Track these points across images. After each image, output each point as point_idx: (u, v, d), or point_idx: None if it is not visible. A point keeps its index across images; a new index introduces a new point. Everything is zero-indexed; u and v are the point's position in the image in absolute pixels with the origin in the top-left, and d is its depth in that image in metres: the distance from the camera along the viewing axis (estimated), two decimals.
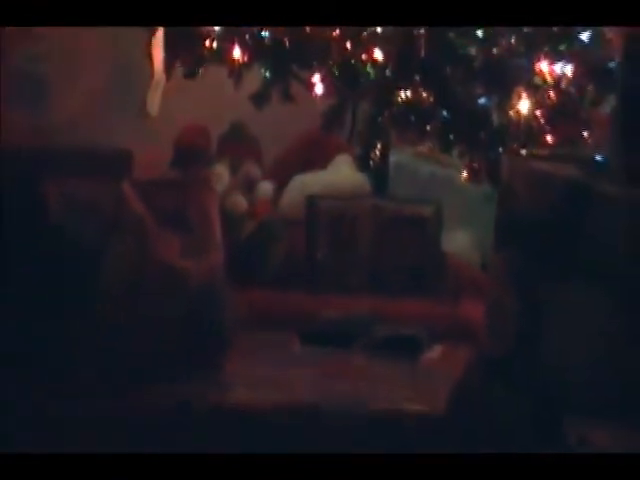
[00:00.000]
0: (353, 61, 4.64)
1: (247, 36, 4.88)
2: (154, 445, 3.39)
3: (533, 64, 4.66)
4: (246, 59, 4.83)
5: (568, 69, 4.64)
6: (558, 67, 4.67)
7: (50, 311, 3.62)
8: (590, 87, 4.52)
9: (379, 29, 4.60)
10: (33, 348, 3.64)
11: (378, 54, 4.57)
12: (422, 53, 4.57)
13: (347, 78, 4.63)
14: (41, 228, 3.62)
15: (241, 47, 4.83)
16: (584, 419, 3.31)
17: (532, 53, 4.63)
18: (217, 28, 4.83)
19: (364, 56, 4.60)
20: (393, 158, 5.07)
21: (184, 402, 3.41)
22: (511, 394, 3.58)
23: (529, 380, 3.54)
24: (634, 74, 3.72)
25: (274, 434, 3.40)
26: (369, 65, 4.59)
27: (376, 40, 4.58)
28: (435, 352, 3.98)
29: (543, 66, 4.65)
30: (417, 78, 4.57)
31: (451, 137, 4.71)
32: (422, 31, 4.59)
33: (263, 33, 4.79)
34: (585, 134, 4.42)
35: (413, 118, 4.62)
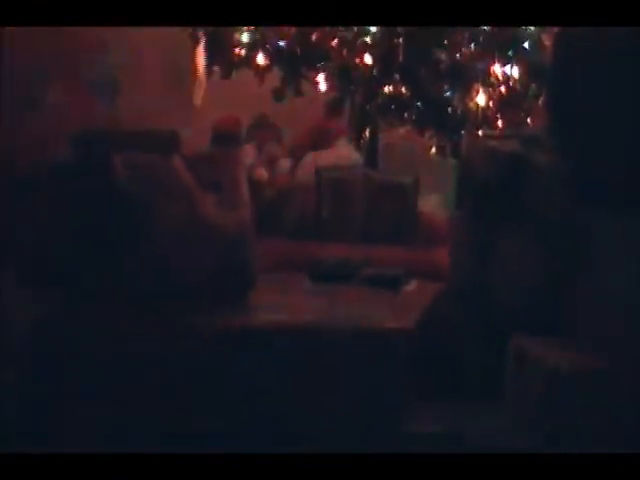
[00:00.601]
0: (348, 64, 4.53)
1: (268, 45, 4.72)
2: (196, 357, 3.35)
3: (488, 66, 4.58)
4: (267, 63, 4.74)
5: (515, 70, 4.57)
6: (507, 69, 4.61)
7: (113, 253, 3.57)
8: (532, 84, 4.49)
9: (368, 38, 4.47)
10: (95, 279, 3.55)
11: (367, 58, 4.52)
12: (401, 57, 4.47)
13: (344, 77, 4.58)
14: (111, 191, 3.57)
15: (263, 54, 4.71)
16: (524, 335, 3.30)
17: (487, 58, 4.56)
18: (245, 39, 4.69)
19: (357, 60, 4.51)
20: (380, 139, 4.97)
21: (220, 324, 3.45)
22: (467, 316, 3.55)
23: (481, 305, 3.54)
24: (561, 73, 3.64)
25: (285, 350, 3.39)
26: (360, 67, 4.52)
27: (365, 47, 4.48)
28: (411, 286, 4.05)
29: (496, 68, 4.59)
30: (397, 77, 4.50)
31: (424, 122, 4.64)
32: (401, 40, 4.45)
33: (280, 43, 4.67)
34: (528, 120, 4.42)
35: (394, 107, 4.57)
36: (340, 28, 4.60)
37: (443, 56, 4.54)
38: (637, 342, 3.18)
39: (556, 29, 4.14)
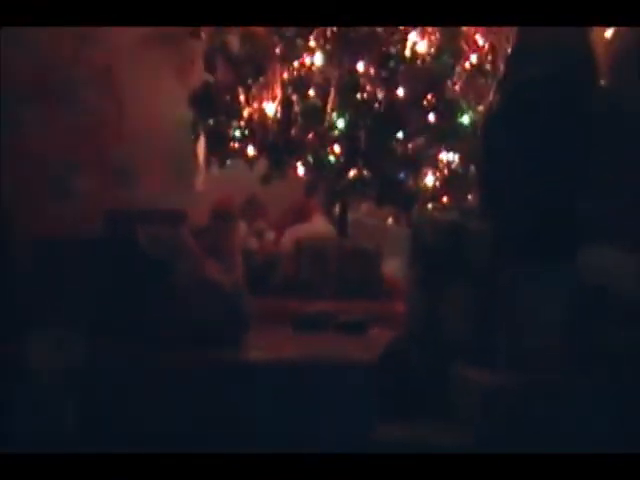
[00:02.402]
0: (321, 153, 4.59)
1: (256, 140, 4.77)
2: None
3: (435, 154, 4.70)
4: (256, 154, 4.80)
5: (456, 156, 4.71)
6: (450, 155, 4.72)
7: (138, 304, 3.80)
8: (470, 167, 4.60)
9: (336, 132, 4.54)
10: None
11: (336, 148, 4.58)
12: (363, 147, 4.58)
13: (318, 164, 4.64)
14: (133, 255, 3.84)
15: (253, 146, 4.79)
16: (465, 363, 3.57)
17: (434, 146, 4.66)
18: (237, 134, 4.75)
19: (328, 150, 4.60)
20: (349, 214, 5.03)
21: (221, 359, 3.71)
22: (419, 350, 3.71)
23: (430, 341, 3.69)
24: (487, 158, 3.83)
25: (273, 380, 3.60)
26: (331, 155, 4.61)
27: (335, 139, 4.59)
28: (374, 330, 4.17)
29: (441, 155, 4.72)
30: (360, 163, 4.59)
31: (383, 200, 4.71)
32: (363, 133, 4.55)
33: (266, 137, 4.70)
34: (468, 196, 4.54)
35: (358, 187, 4.65)
36: (313, 123, 4.55)
37: (398, 145, 4.59)
38: (550, 363, 3.41)
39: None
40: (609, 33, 4.00)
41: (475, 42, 4.67)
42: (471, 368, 3.52)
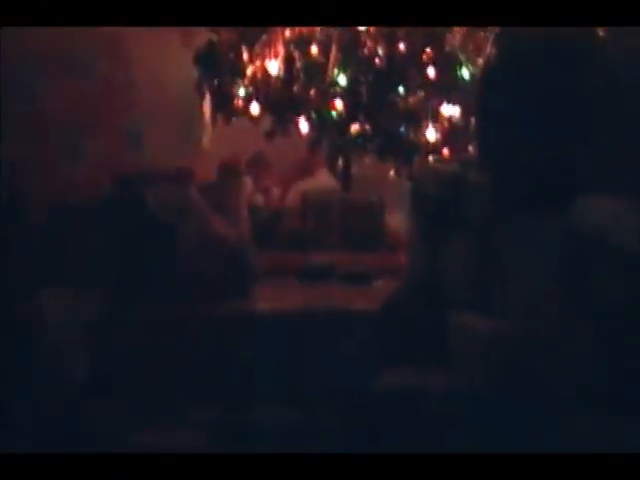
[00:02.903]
0: (322, 110, 4.67)
1: (260, 98, 4.82)
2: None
3: (436, 106, 4.74)
4: (260, 111, 4.85)
5: (457, 109, 4.72)
6: (450, 108, 4.74)
7: (148, 261, 3.90)
8: (470, 119, 4.60)
9: (337, 88, 4.57)
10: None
11: (338, 104, 4.64)
12: (365, 101, 4.61)
13: (320, 120, 4.71)
14: (141, 215, 3.94)
15: (257, 104, 4.82)
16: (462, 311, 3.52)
17: (434, 99, 4.70)
18: (242, 92, 4.78)
19: (330, 105, 4.65)
20: (352, 167, 5.06)
21: (229, 310, 3.84)
22: (418, 299, 3.64)
23: (430, 290, 3.63)
24: (485, 109, 3.71)
25: (278, 328, 3.71)
26: (332, 111, 4.66)
27: (336, 94, 4.62)
28: (378, 282, 4.28)
29: (442, 108, 4.75)
30: (362, 117, 4.65)
31: (384, 153, 4.76)
32: (364, 88, 4.58)
33: (270, 95, 4.72)
34: (469, 148, 4.52)
35: (360, 142, 4.72)
36: (315, 80, 4.58)
37: (399, 100, 4.64)
38: (546, 312, 3.32)
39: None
40: None
41: None
42: (469, 316, 3.46)
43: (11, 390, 3.54)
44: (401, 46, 4.61)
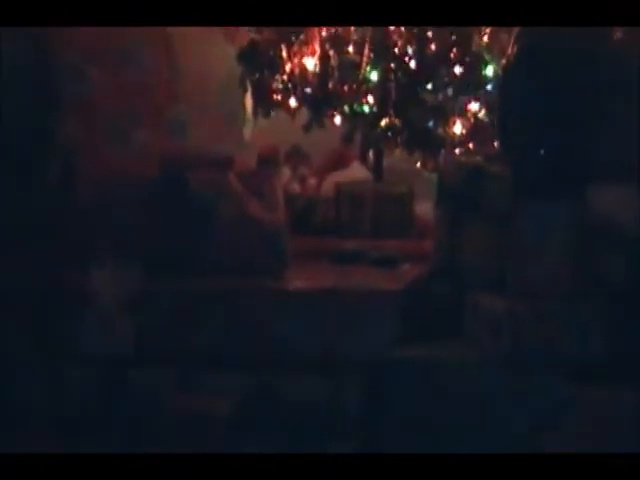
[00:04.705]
0: (355, 105, 4.72)
1: (297, 92, 4.88)
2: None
3: (464, 104, 4.81)
4: (297, 105, 4.92)
5: (482, 107, 4.78)
6: (476, 105, 4.81)
7: (190, 241, 4.01)
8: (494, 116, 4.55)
9: (370, 85, 4.62)
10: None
11: (370, 99, 4.69)
12: (394, 97, 4.66)
13: (353, 114, 4.76)
14: (183, 198, 4.03)
15: (295, 98, 4.90)
16: (481, 291, 3.73)
17: (461, 97, 4.76)
18: (280, 87, 4.86)
19: (363, 100, 4.72)
20: (384, 160, 5.09)
21: (263, 289, 3.94)
22: (441, 281, 3.93)
23: (453, 273, 3.90)
24: (504, 106, 4.00)
25: (312, 306, 3.81)
26: (365, 106, 4.72)
27: (367, 91, 4.68)
28: (406, 266, 4.33)
29: (469, 105, 4.83)
30: (391, 112, 4.68)
31: (412, 146, 4.79)
32: (394, 85, 4.62)
33: (306, 90, 4.81)
34: (495, 143, 4.46)
35: (390, 135, 4.75)
36: (349, 77, 4.61)
37: (427, 96, 4.73)
38: (556, 292, 3.59)
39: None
40: None
41: None
42: (485, 296, 3.72)
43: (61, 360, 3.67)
44: (430, 46, 4.69)
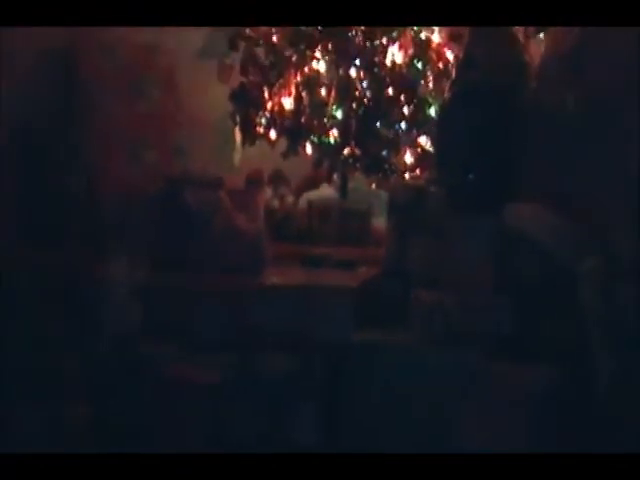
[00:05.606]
0: (323, 136, 5.18)
1: (276, 126, 5.26)
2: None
3: (415, 136, 5.25)
4: (276, 137, 5.35)
5: (427, 139, 5.21)
6: (422, 139, 5.21)
7: (185, 248, 4.15)
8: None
9: (339, 117, 5.02)
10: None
11: (335, 132, 5.16)
12: (354, 130, 5.12)
13: (321, 145, 5.23)
14: (182, 210, 4.17)
15: (274, 130, 5.30)
16: (422, 290, 3.91)
17: (411, 133, 5.19)
18: (263, 121, 5.21)
19: (329, 133, 5.17)
20: (349, 182, 5.51)
21: (246, 284, 4.11)
22: (389, 279, 4.12)
23: (398, 272, 4.08)
24: (442, 133, 4.24)
25: (283, 298, 3.97)
26: (331, 137, 5.18)
27: (333, 125, 5.13)
28: (362, 268, 4.55)
29: (418, 139, 5.27)
30: (353, 143, 5.16)
31: (370, 171, 5.28)
32: (354, 120, 5.06)
33: (284, 124, 5.21)
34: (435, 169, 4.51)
35: (351, 162, 5.25)
36: (318, 114, 5.00)
37: (383, 130, 5.18)
38: (478, 287, 3.83)
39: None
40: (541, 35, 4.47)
41: (441, 52, 5.18)
42: (423, 291, 3.95)
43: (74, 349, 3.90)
44: (387, 90, 5.19)
